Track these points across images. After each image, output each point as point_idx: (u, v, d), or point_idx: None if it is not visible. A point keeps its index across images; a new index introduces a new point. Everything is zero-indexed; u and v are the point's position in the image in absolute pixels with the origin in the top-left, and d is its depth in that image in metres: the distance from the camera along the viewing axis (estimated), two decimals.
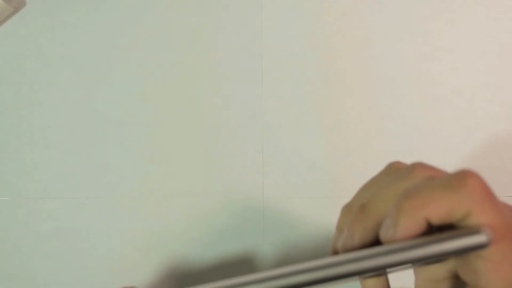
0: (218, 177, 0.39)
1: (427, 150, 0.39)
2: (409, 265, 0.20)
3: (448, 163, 0.39)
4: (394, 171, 0.23)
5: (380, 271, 0.20)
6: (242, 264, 0.39)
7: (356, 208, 0.22)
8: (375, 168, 0.27)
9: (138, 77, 0.40)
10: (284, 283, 0.19)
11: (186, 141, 0.40)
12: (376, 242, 0.22)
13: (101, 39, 0.40)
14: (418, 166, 0.22)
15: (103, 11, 0.40)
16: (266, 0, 0.40)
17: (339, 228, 0.24)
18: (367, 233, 0.22)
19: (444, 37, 0.39)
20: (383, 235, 0.20)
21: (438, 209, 0.19)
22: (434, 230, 0.20)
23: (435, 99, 0.39)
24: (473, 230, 0.18)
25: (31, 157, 0.40)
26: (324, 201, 0.39)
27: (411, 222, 0.19)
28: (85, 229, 0.39)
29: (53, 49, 0.40)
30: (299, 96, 0.39)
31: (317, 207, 0.39)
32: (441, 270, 0.21)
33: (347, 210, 0.24)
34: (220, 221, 0.39)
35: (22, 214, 0.40)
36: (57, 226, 0.39)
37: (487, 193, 0.20)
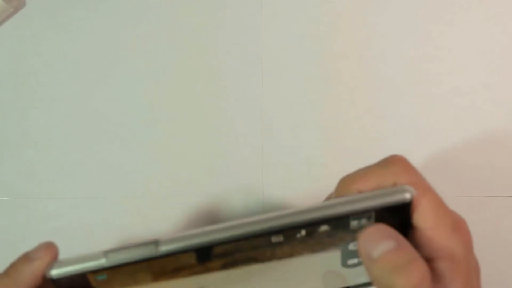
0: (218, 177, 0.39)
1: (427, 150, 0.39)
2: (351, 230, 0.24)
3: (448, 163, 0.39)
4: (386, 161, 0.26)
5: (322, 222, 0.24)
6: None
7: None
8: None
9: (138, 77, 0.40)
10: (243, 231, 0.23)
11: (186, 141, 0.40)
12: None
13: (101, 39, 0.40)
14: (397, 161, 0.26)
15: (103, 11, 0.40)
16: (266, 0, 0.40)
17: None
18: None
19: (445, 37, 0.39)
20: None
21: (368, 182, 0.24)
22: None
23: (435, 99, 0.39)
24: (400, 188, 0.23)
25: (31, 157, 0.40)
26: None
27: (345, 193, 0.25)
28: (85, 229, 0.39)
29: (53, 49, 0.40)
30: (299, 96, 0.39)
31: None
32: None
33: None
34: (220, 221, 0.39)
35: (22, 214, 0.40)
36: (57, 226, 0.39)
37: (408, 166, 0.24)
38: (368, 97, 0.39)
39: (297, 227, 0.24)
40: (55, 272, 0.24)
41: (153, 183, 0.39)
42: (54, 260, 0.25)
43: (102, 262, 0.23)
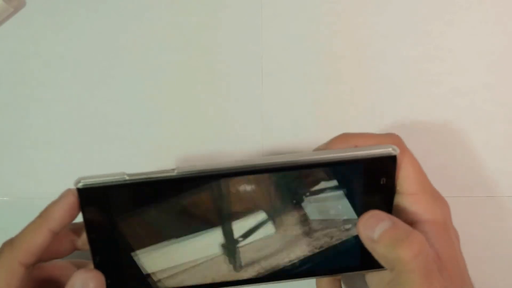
0: None
1: (427, 150, 0.39)
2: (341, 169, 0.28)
3: (448, 163, 0.39)
4: (384, 133, 0.30)
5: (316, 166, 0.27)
6: None
7: None
8: None
9: (138, 77, 0.40)
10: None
11: (185, 141, 0.40)
12: None
13: (101, 39, 0.40)
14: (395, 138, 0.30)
15: (103, 11, 0.40)
16: (266, 0, 0.40)
17: None
18: None
19: (445, 37, 0.39)
20: None
21: (365, 142, 0.28)
22: None
23: (435, 99, 0.39)
24: (386, 145, 0.27)
25: (31, 157, 0.40)
26: None
27: (340, 144, 0.29)
28: None
29: (53, 49, 0.40)
30: (299, 96, 0.39)
31: None
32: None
33: None
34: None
35: (22, 214, 0.39)
36: None
37: (401, 141, 0.29)
38: (368, 97, 0.39)
39: (293, 168, 0.27)
40: (82, 182, 0.27)
41: None
42: (76, 199, 0.28)
43: (124, 178, 0.27)
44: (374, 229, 0.26)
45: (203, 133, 0.40)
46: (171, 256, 0.29)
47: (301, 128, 0.39)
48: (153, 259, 0.29)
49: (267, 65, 0.40)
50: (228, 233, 0.29)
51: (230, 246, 0.29)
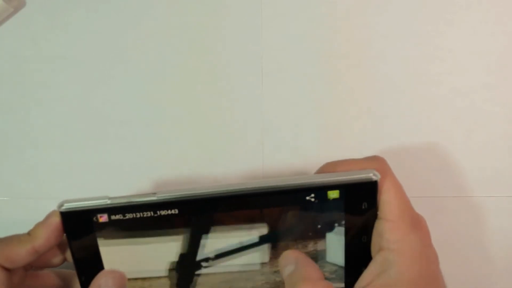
0: (218, 177, 0.39)
1: (427, 150, 0.39)
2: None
3: (448, 163, 0.39)
4: (368, 157, 0.30)
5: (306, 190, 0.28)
6: None
7: None
8: None
9: (138, 77, 0.40)
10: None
11: (185, 142, 0.40)
12: None
13: (101, 39, 0.40)
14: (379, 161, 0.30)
15: (103, 11, 0.40)
16: (266, 0, 0.40)
17: None
18: None
19: (445, 37, 0.39)
20: None
21: (350, 168, 0.28)
22: None
23: (435, 99, 0.39)
24: (367, 170, 0.27)
25: (31, 157, 0.40)
26: None
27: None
28: None
29: (53, 49, 0.40)
30: (299, 96, 0.39)
31: None
32: None
33: None
34: None
35: (22, 214, 0.40)
36: None
37: (385, 164, 0.29)
38: (368, 97, 0.39)
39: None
40: (65, 206, 0.27)
41: (153, 183, 0.39)
42: (60, 220, 0.28)
43: (106, 201, 0.27)
44: (283, 268, 0.28)
45: (203, 133, 0.40)
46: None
47: (301, 128, 0.39)
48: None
49: (267, 65, 0.40)
50: (191, 248, 0.29)
51: (188, 270, 0.29)
